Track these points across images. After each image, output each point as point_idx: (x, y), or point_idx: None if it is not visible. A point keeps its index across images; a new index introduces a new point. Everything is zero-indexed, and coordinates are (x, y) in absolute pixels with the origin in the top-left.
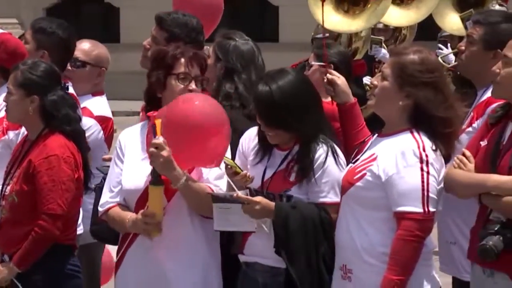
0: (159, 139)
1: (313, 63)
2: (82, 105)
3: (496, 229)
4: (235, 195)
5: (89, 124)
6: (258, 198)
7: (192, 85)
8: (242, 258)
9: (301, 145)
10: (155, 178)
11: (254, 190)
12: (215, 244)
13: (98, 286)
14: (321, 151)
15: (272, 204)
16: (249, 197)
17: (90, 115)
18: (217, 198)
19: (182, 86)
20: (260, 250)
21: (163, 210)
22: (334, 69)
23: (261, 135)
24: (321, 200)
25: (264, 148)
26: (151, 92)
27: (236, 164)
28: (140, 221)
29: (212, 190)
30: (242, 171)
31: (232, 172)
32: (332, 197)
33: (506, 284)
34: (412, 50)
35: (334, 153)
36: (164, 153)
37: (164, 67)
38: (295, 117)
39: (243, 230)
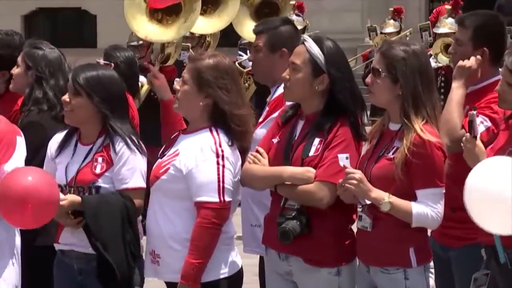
0: None
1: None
2: None
3: (293, 215)
4: None
5: None
6: (69, 196)
7: None
8: (58, 246)
9: (105, 137)
10: None
11: (64, 186)
12: (12, 233)
13: None
14: (122, 142)
15: (79, 198)
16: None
17: None
18: None
19: None
20: (74, 239)
21: None
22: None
23: (68, 132)
24: (124, 186)
25: (69, 144)
26: None
27: None
28: None
29: None
30: None
31: None
32: (135, 183)
33: (300, 266)
34: (207, 56)
35: (134, 143)
36: None
37: None
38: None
39: None
